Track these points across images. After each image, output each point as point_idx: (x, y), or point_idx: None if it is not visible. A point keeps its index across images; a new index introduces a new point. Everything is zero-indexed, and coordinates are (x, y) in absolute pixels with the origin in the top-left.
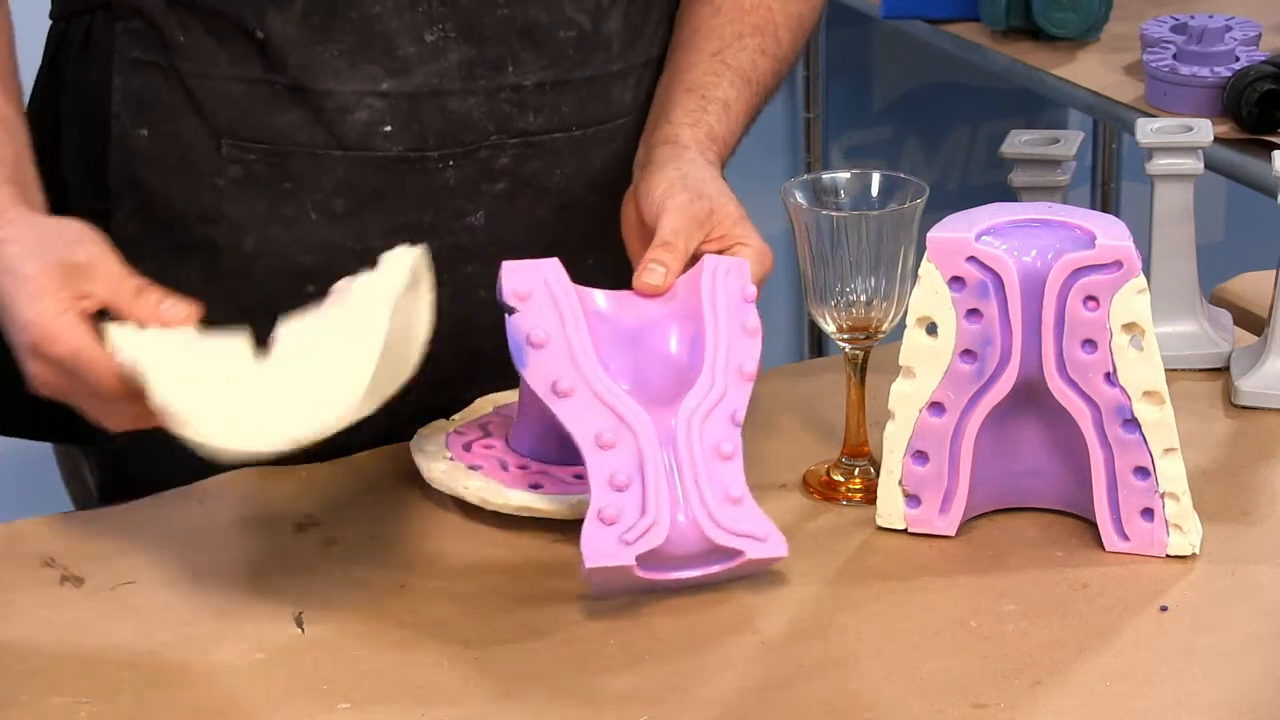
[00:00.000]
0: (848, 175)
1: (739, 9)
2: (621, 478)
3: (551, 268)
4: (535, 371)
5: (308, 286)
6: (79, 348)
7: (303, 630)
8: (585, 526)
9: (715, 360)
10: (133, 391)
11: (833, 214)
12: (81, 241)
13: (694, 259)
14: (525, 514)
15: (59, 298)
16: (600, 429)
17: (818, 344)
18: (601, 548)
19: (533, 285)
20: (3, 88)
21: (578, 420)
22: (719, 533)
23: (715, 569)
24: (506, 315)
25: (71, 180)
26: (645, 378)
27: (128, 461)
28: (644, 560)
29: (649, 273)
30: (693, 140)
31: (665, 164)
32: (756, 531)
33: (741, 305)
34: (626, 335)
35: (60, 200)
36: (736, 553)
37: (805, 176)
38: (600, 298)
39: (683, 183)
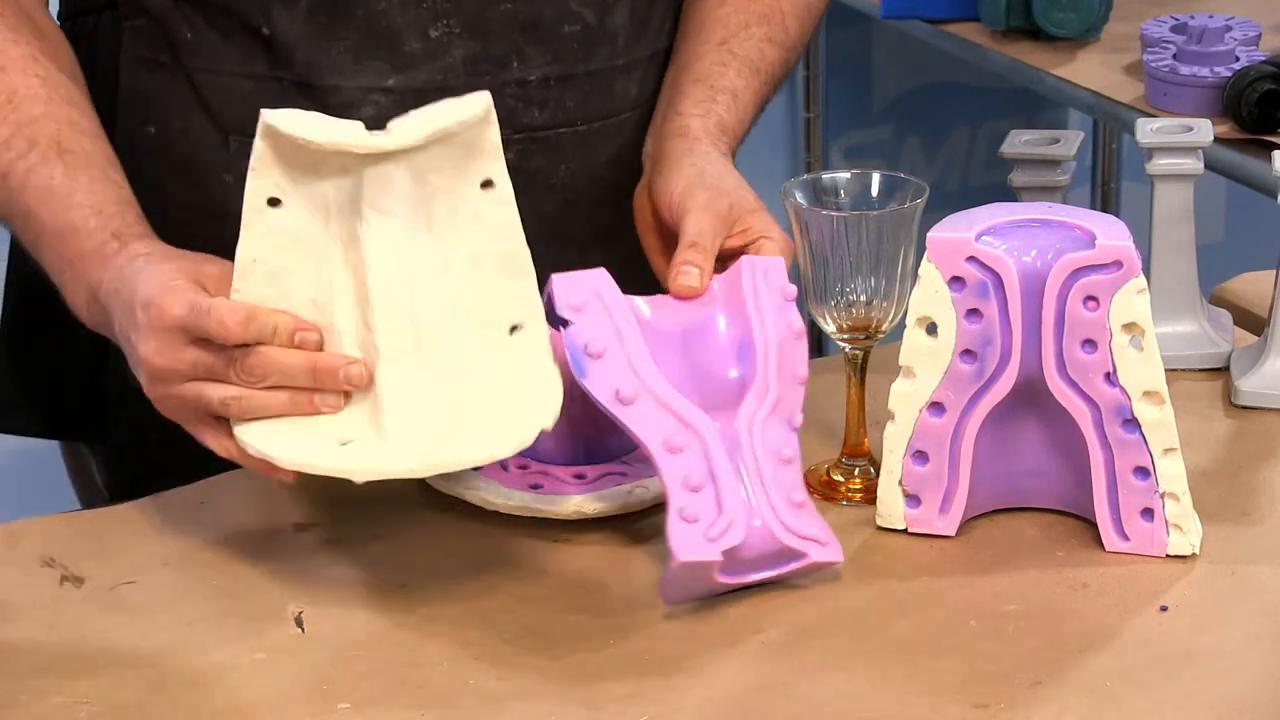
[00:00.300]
0: (848, 175)
1: None
2: (696, 479)
3: (601, 278)
4: (596, 381)
5: None
6: (194, 300)
7: (303, 630)
8: (670, 525)
9: (767, 365)
10: (259, 336)
11: (833, 214)
12: (214, 261)
13: (720, 256)
14: (525, 514)
15: (183, 280)
16: (667, 433)
17: (818, 344)
18: (690, 542)
19: (585, 296)
20: (95, 123)
21: (644, 426)
22: (788, 535)
23: (777, 572)
24: (561, 328)
25: None
26: (697, 382)
27: (135, 458)
28: (721, 561)
29: (684, 275)
30: (703, 131)
31: (680, 160)
32: (820, 536)
33: (784, 306)
34: (673, 341)
35: None
36: (801, 554)
37: (805, 176)
38: (643, 305)
39: (700, 180)
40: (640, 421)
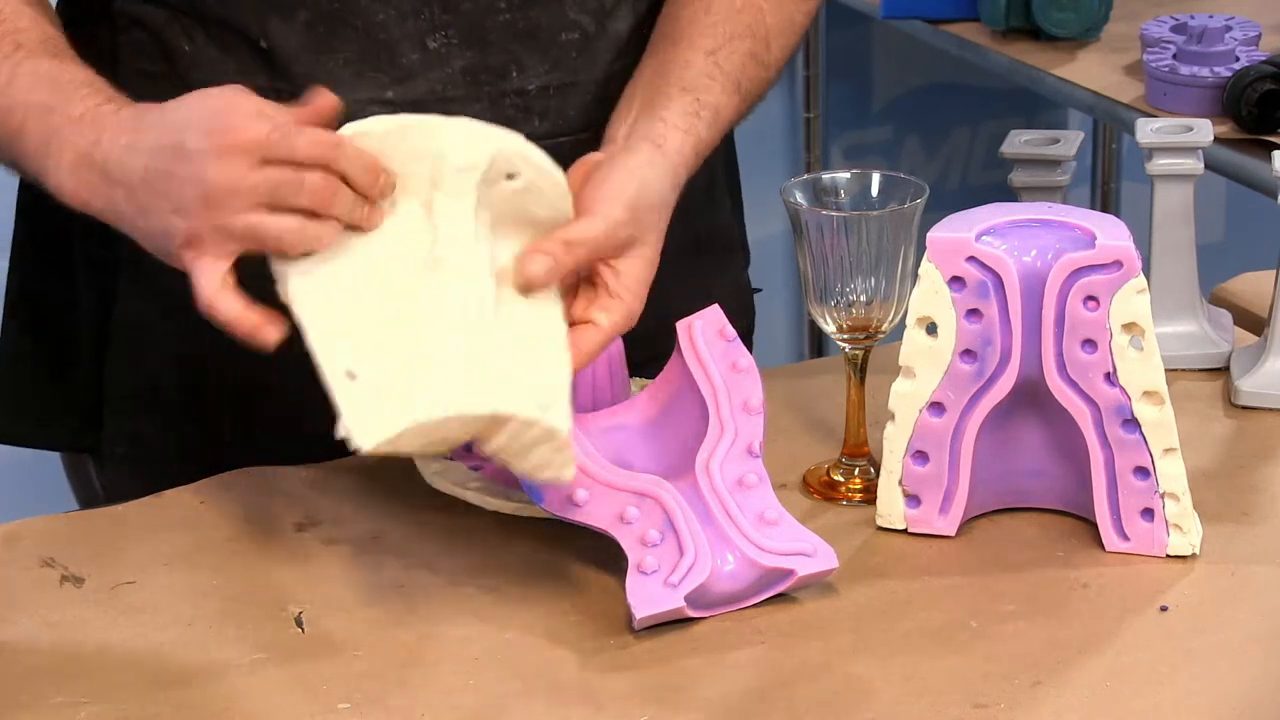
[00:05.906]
0: (848, 175)
1: (731, 8)
2: (652, 535)
3: None
4: (552, 500)
5: None
6: (276, 119)
7: (303, 630)
8: (628, 580)
9: (718, 407)
10: (342, 165)
11: (833, 214)
12: (249, 94)
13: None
14: (525, 514)
15: (251, 101)
16: (620, 510)
17: (818, 344)
18: (648, 595)
19: None
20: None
21: (597, 517)
22: (765, 556)
23: (769, 593)
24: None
25: None
26: (666, 461)
27: (133, 468)
28: (698, 600)
29: (534, 261)
30: (678, 151)
31: (640, 167)
32: (804, 548)
33: (726, 347)
34: (645, 433)
35: (63, 212)
36: (788, 572)
37: (805, 176)
38: (619, 413)
39: (635, 198)
40: (593, 515)
